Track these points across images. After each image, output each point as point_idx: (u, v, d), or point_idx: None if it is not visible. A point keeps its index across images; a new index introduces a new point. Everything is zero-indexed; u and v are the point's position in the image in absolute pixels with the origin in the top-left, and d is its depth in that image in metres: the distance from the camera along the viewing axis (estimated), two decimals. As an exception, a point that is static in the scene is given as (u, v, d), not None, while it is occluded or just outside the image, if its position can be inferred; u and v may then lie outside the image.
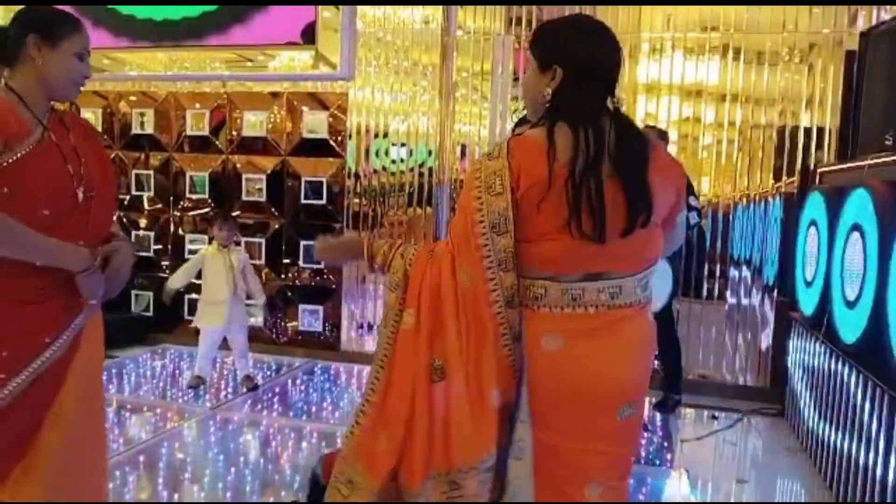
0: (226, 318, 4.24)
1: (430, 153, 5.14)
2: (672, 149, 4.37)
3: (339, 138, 5.25)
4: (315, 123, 5.30)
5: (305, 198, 5.31)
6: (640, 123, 4.74)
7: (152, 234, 5.67)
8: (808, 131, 4.48)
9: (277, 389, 4.45)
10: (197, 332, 4.42)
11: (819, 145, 4.45)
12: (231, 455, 3.39)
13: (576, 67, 1.54)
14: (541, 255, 1.53)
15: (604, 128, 1.51)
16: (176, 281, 4.34)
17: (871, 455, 2.71)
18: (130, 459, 3.24)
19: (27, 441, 1.67)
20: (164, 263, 5.60)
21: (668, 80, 4.71)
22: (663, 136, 4.17)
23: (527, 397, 1.54)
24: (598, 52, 1.56)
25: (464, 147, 5.14)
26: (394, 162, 5.20)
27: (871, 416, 2.74)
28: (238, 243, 4.73)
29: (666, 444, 3.71)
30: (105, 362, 5.01)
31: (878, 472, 2.63)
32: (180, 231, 5.59)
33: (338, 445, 3.63)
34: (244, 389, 4.32)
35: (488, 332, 1.52)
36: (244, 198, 5.42)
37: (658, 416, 4.11)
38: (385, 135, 5.20)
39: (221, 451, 3.46)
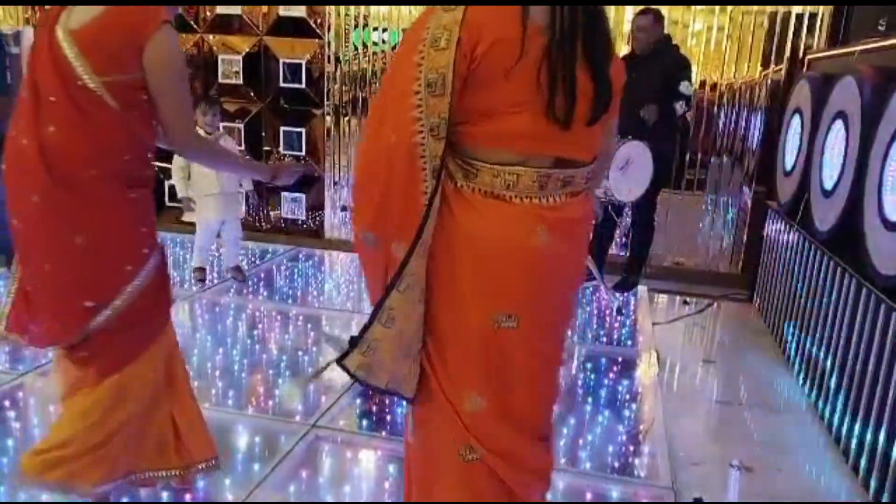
0: (219, 210, 4.13)
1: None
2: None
3: (318, 20, 5.04)
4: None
5: (284, 81, 5.16)
6: (630, 8, 4.59)
7: (127, 118, 5.52)
8: (799, 17, 4.38)
9: (262, 275, 4.51)
10: (179, 219, 4.39)
11: (811, 31, 4.36)
12: (218, 337, 3.48)
13: None
14: (508, 132, 1.38)
15: (577, 6, 1.36)
16: (181, 188, 4.12)
17: (836, 337, 2.84)
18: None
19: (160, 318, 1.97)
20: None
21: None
22: (659, 19, 4.04)
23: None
24: None
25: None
26: (375, 44, 5.03)
27: (838, 301, 2.85)
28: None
29: (638, 326, 3.85)
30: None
31: (839, 354, 2.77)
32: (156, 115, 5.44)
33: (324, 328, 3.73)
34: (230, 278, 4.35)
35: (410, 198, 1.38)
36: (221, 80, 5.26)
37: (632, 301, 4.25)
38: (365, 22, 4.99)
39: (209, 333, 3.54)
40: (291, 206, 5.36)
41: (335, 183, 5.28)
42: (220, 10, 5.16)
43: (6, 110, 4.65)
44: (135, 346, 1.92)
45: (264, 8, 5.09)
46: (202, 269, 4.28)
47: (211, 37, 5.24)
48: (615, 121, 1.61)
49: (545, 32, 1.33)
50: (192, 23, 5.24)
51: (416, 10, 4.90)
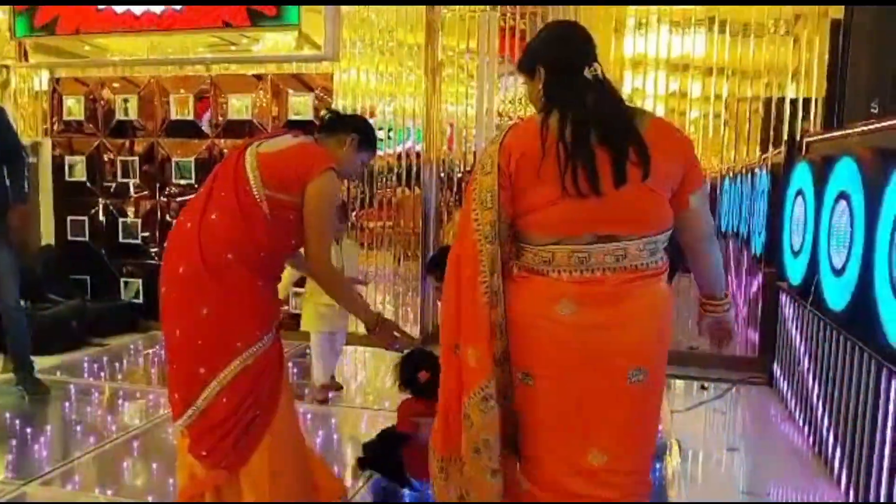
0: (334, 322, 3.84)
1: (415, 134, 5.11)
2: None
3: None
4: (300, 105, 5.25)
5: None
6: (627, 98, 4.73)
7: (139, 221, 5.64)
8: (794, 102, 4.49)
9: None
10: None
11: (805, 116, 4.46)
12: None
13: (551, 63, 1.78)
14: (545, 222, 1.67)
15: (586, 102, 1.67)
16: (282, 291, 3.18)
17: (859, 421, 2.75)
18: (125, 445, 3.24)
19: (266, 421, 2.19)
20: (153, 250, 5.58)
21: (654, 55, 4.70)
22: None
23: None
24: (566, 45, 1.79)
25: (451, 126, 5.13)
26: (381, 141, 5.17)
27: (858, 382, 2.77)
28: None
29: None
30: (96, 350, 4.98)
31: (866, 438, 2.67)
32: (168, 217, 5.55)
33: (334, 424, 3.65)
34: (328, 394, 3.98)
35: (475, 296, 1.70)
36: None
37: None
38: (371, 116, 5.16)
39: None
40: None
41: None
42: (231, 116, 5.35)
43: (26, 218, 4.71)
44: (251, 435, 2.14)
45: (274, 111, 5.28)
46: (329, 385, 3.99)
47: (221, 141, 5.41)
48: (694, 197, 1.75)
49: (559, 137, 1.64)
50: (202, 128, 5.42)
51: (417, 99, 5.06)
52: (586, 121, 1.63)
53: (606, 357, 1.64)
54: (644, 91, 4.72)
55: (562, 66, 1.75)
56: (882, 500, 2.49)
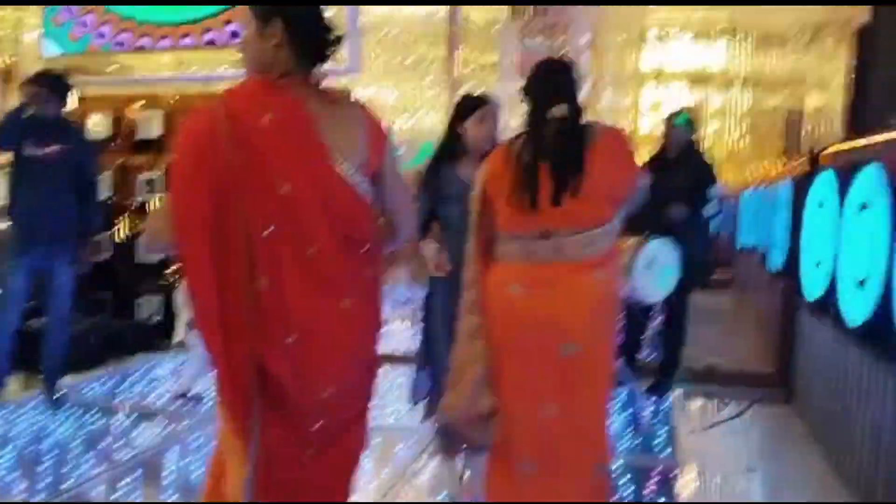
0: None
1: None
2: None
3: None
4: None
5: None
6: (647, 112, 4.69)
7: (161, 236, 5.69)
8: (815, 113, 4.38)
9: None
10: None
11: (826, 126, 4.35)
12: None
13: (527, 99, 2.19)
14: (504, 221, 2.15)
15: (543, 136, 2.10)
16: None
17: (882, 438, 2.64)
18: (142, 463, 3.21)
19: None
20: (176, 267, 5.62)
21: (673, 68, 4.66)
22: (689, 124, 4.02)
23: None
24: (536, 86, 2.18)
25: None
26: (400, 154, 5.17)
27: (881, 398, 2.67)
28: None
29: (674, 433, 3.64)
30: (116, 367, 4.94)
31: (889, 456, 2.56)
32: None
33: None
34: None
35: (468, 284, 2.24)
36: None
37: (661, 406, 4.05)
38: (391, 131, 5.17)
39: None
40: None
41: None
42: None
43: (98, 250, 4.73)
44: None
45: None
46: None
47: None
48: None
49: (518, 158, 2.13)
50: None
51: (438, 113, 5.06)
52: (537, 153, 2.09)
53: (543, 330, 2.03)
54: (659, 105, 4.66)
55: (531, 103, 2.17)
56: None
